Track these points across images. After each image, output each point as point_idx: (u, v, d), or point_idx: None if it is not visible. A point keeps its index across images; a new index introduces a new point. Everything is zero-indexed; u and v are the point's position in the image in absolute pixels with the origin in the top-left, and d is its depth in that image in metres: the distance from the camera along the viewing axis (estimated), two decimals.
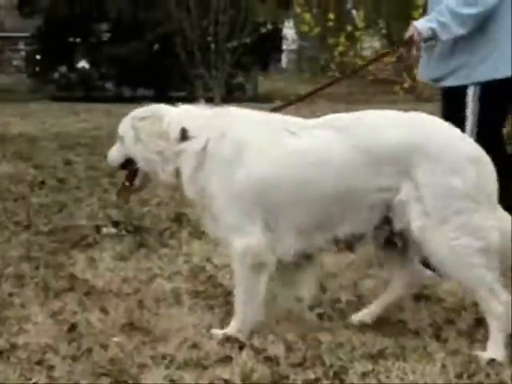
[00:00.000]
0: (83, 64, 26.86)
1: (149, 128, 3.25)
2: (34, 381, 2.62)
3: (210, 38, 10.88)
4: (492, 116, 4.08)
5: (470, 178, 2.94)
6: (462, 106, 4.05)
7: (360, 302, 3.46)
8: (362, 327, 3.13)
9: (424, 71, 4.30)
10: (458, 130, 3.16)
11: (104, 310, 3.36)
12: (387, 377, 2.64)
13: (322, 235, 3.08)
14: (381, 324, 3.17)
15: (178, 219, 5.23)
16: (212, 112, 3.26)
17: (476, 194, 2.94)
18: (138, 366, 2.74)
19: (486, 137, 3.82)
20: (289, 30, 30.54)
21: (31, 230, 4.90)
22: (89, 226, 5.02)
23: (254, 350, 2.87)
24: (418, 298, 3.53)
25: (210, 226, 3.23)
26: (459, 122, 3.82)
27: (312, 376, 2.65)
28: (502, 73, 3.98)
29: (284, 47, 27.32)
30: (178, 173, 3.20)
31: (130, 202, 5.25)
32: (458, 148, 3.02)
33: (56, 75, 26.68)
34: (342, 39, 5.24)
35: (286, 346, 2.89)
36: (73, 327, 3.14)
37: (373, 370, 2.69)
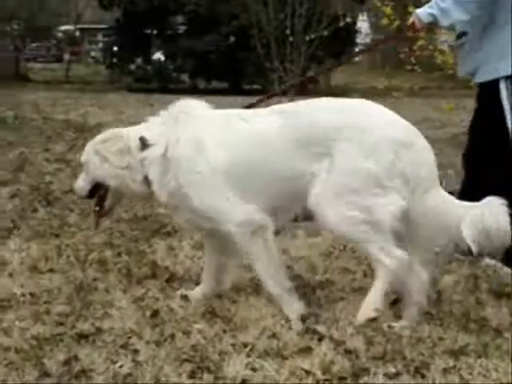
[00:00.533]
0: (159, 56, 27.22)
1: (111, 147, 3.41)
2: (119, 364, 2.69)
3: (287, 31, 10.85)
4: None
5: (383, 161, 3.08)
6: (496, 101, 4.01)
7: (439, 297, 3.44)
8: (442, 323, 3.11)
9: (460, 67, 4.30)
10: (394, 117, 3.25)
11: (185, 297, 3.42)
12: (470, 374, 2.62)
13: (282, 213, 3.34)
14: (461, 320, 3.14)
15: None
16: (168, 118, 3.41)
17: (385, 177, 3.08)
18: (220, 354, 2.78)
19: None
20: (363, 23, 30.32)
21: (113, 217, 4.99)
22: (166, 215, 5.09)
23: (334, 341, 2.88)
24: (500, 295, 3.48)
25: (189, 224, 3.43)
26: (497, 118, 3.97)
27: (393, 370, 2.64)
28: None
29: (357, 40, 27.08)
30: (147, 181, 3.35)
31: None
32: (380, 131, 3.15)
33: (132, 67, 27.11)
34: (423, 33, 5.15)
35: (365, 339, 2.89)
36: (155, 313, 3.20)
37: (454, 366, 2.67)
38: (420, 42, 5.80)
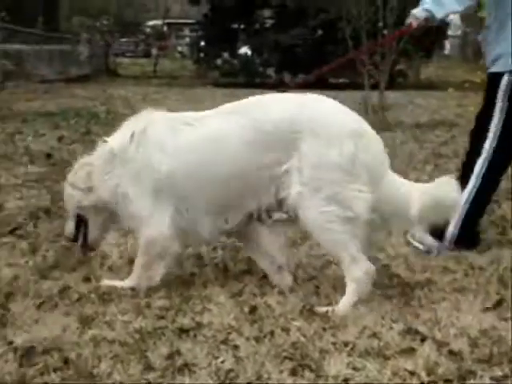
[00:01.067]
0: (245, 50, 27.34)
1: (79, 175, 3.64)
2: (221, 359, 2.69)
3: (380, 24, 10.72)
4: None
5: (346, 152, 3.19)
6: (496, 93, 4.12)
7: None
8: None
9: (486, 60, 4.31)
10: (344, 108, 3.37)
11: (282, 294, 3.42)
12: None
13: (234, 213, 3.41)
14: None
15: None
16: (128, 124, 3.60)
17: (351, 166, 3.19)
18: (320, 352, 2.76)
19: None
20: (453, 16, 29.73)
21: None
22: None
23: (437, 342, 2.82)
24: None
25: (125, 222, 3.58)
26: (490, 110, 4.12)
27: (499, 373, 2.57)
28: None
29: (449, 33, 26.56)
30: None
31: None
32: (338, 123, 3.27)
33: (219, 61, 27.30)
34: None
35: (469, 341, 2.82)
36: (253, 309, 3.20)
37: None
38: None
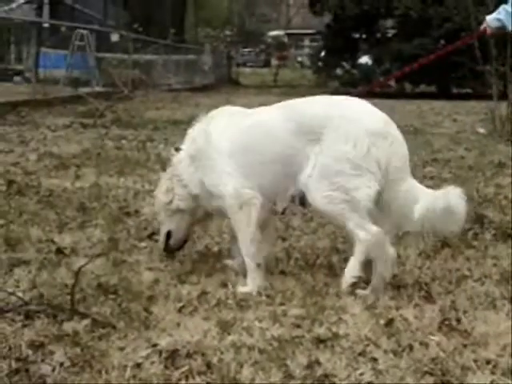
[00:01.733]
0: (366, 60, 27.19)
1: (160, 190, 4.08)
2: (360, 372, 2.70)
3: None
4: None
5: (360, 147, 3.53)
6: None
7: None
8: None
9: None
10: (373, 110, 3.69)
11: (418, 307, 3.39)
12: None
13: (281, 195, 3.80)
14: None
15: (479, 220, 5.09)
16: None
17: (362, 161, 3.53)
18: (462, 368, 2.72)
19: None
20: None
21: None
22: None
23: None
24: None
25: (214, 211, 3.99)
26: None
27: None
28: None
29: None
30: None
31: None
32: (359, 122, 3.60)
33: (339, 71, 27.28)
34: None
35: None
36: (390, 322, 3.19)
37: None
38: None
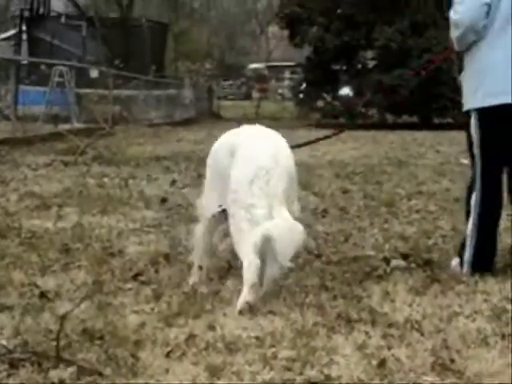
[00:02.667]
0: (347, 91, 27.40)
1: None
2: None
3: None
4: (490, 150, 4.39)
5: (247, 173, 3.99)
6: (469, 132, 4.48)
7: None
8: None
9: None
10: (263, 142, 4.20)
11: (410, 347, 3.34)
12: None
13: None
14: None
15: None
16: None
17: (247, 187, 3.95)
18: None
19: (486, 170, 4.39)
20: None
21: (322, 259, 5.01)
22: (377, 257, 5.03)
23: None
24: None
25: None
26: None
27: None
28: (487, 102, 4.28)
29: None
30: None
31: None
32: (252, 151, 4.10)
33: (320, 103, 27.46)
34: None
35: None
36: (382, 362, 3.13)
37: None
38: None
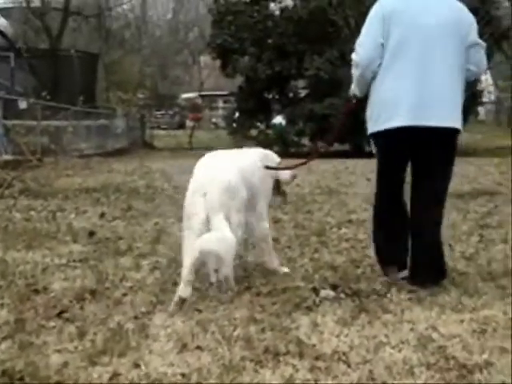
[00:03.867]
0: (280, 120, 27.66)
1: None
2: None
3: None
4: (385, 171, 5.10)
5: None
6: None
7: None
8: None
9: None
10: (224, 164, 4.91)
11: (336, 379, 3.32)
12: None
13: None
14: None
15: (394, 283, 5.11)
16: None
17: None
18: None
19: (382, 192, 5.16)
20: (486, 82, 29.87)
21: (252, 290, 4.98)
22: (307, 288, 5.02)
23: None
24: None
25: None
26: None
27: None
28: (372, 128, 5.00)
29: (483, 100, 26.70)
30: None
31: None
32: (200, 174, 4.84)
33: (254, 132, 27.64)
34: None
35: None
36: None
37: None
38: None
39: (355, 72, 5.00)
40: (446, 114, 4.83)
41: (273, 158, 5.58)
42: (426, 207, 4.97)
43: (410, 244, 5.04)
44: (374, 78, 4.92)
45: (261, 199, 5.26)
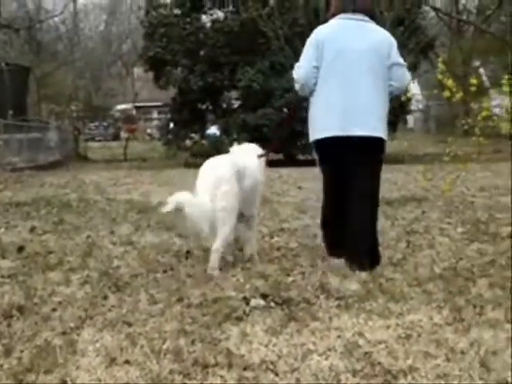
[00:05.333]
0: (214, 131, 27.69)
1: None
2: None
3: None
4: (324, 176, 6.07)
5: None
6: None
7: None
8: None
9: None
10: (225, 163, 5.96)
11: None
12: None
13: None
14: None
15: (324, 290, 5.18)
16: None
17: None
18: None
19: (326, 190, 6.10)
20: (415, 91, 30.49)
21: (183, 302, 4.98)
22: (237, 298, 5.05)
23: None
24: None
25: None
26: None
27: None
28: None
29: (412, 108, 27.29)
30: None
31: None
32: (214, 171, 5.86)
33: (188, 142, 27.58)
34: (486, 104, 5.70)
35: None
36: None
37: None
38: (484, 113, 5.94)
39: (296, 86, 5.93)
40: (369, 125, 5.68)
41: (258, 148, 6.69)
42: (359, 204, 5.81)
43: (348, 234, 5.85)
44: (311, 93, 5.81)
45: (259, 188, 6.41)
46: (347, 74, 5.68)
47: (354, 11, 5.84)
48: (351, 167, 5.78)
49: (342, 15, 5.88)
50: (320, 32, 5.89)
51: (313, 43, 5.81)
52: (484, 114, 6.06)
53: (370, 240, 5.85)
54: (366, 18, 5.86)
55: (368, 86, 5.69)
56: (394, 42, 5.84)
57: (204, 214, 5.57)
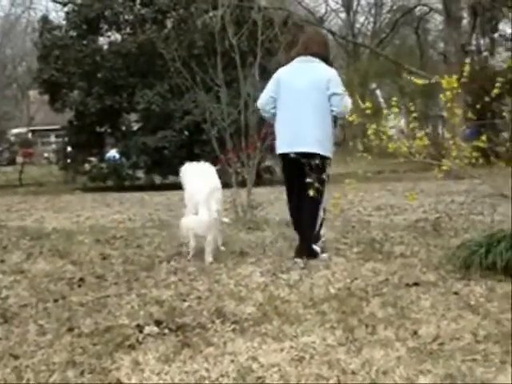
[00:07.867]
0: (113, 154, 27.34)
1: None
2: None
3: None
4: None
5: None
6: None
7: None
8: None
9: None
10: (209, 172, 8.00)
11: None
12: None
13: None
14: None
15: (220, 314, 5.13)
16: None
17: None
18: None
19: (287, 195, 7.56)
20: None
21: (74, 332, 4.83)
22: (131, 326, 4.93)
23: None
24: None
25: None
26: None
27: None
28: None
29: None
30: None
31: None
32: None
33: (87, 166, 27.09)
34: (374, 125, 6.20)
35: None
36: None
37: None
38: (371, 130, 6.22)
39: (260, 111, 7.65)
40: (311, 144, 7.08)
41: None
42: (305, 209, 7.26)
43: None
44: (273, 117, 7.46)
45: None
46: (292, 106, 7.22)
47: (307, 55, 7.31)
48: (301, 178, 6.98)
49: (297, 58, 7.41)
50: (280, 72, 7.51)
51: (274, 79, 7.46)
52: (385, 135, 6.30)
53: (315, 239, 7.31)
54: (317, 60, 7.27)
55: (308, 115, 7.13)
56: (333, 76, 7.21)
57: (207, 226, 7.34)
